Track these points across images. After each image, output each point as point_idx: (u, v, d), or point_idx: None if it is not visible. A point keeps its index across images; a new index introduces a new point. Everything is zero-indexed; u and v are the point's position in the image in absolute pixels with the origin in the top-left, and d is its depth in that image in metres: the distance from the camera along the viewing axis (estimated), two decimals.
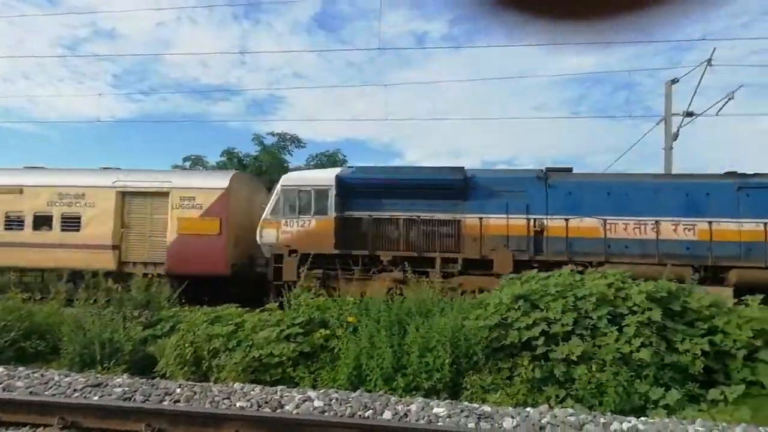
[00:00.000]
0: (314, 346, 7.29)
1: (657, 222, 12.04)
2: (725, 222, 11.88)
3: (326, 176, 13.43)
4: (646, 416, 5.56)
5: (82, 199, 14.03)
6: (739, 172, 12.59)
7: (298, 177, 13.77)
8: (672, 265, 11.17)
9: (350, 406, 5.09)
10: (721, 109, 18.63)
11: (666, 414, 5.75)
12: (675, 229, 12.05)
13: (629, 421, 4.85)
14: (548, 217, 12.13)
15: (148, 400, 5.40)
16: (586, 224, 12.32)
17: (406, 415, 5.01)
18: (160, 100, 60.04)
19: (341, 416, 4.37)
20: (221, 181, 14.04)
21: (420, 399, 5.49)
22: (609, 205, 12.33)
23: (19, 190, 14.23)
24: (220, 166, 24.27)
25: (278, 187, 13.48)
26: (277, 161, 24.15)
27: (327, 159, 24.93)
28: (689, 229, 11.99)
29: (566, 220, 12.18)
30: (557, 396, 6.44)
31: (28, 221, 14.09)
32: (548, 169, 12.96)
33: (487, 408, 5.16)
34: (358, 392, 5.45)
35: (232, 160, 24.36)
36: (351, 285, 12.36)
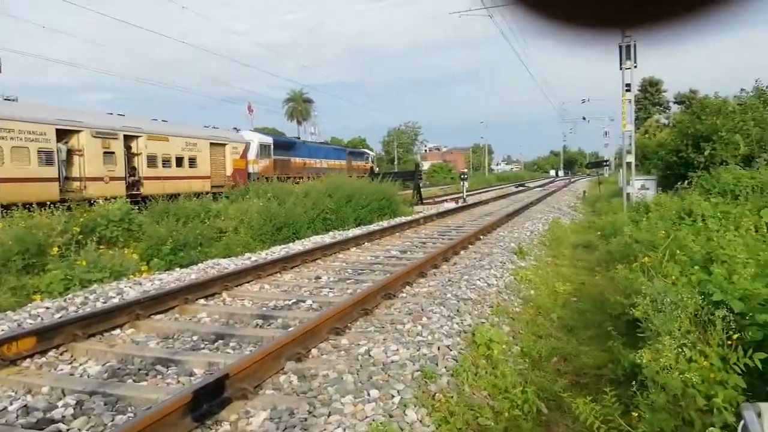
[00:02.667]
0: None
1: (323, 161, 35.59)
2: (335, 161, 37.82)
3: (270, 138, 30.80)
4: None
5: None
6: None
7: (263, 137, 29.99)
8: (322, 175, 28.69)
9: None
10: None
11: None
12: (327, 163, 36.47)
13: None
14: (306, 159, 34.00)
15: None
16: (309, 161, 34.14)
17: None
18: None
19: None
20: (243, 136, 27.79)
21: None
22: (315, 154, 35.51)
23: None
24: None
25: (255, 142, 27.89)
26: None
27: None
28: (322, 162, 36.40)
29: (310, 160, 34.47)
30: None
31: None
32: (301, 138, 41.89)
33: None
34: None
35: None
36: None
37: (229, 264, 9.06)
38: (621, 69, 15.22)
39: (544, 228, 14.78)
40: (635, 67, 15.20)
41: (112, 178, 17.85)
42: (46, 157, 15.59)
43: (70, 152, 16.71)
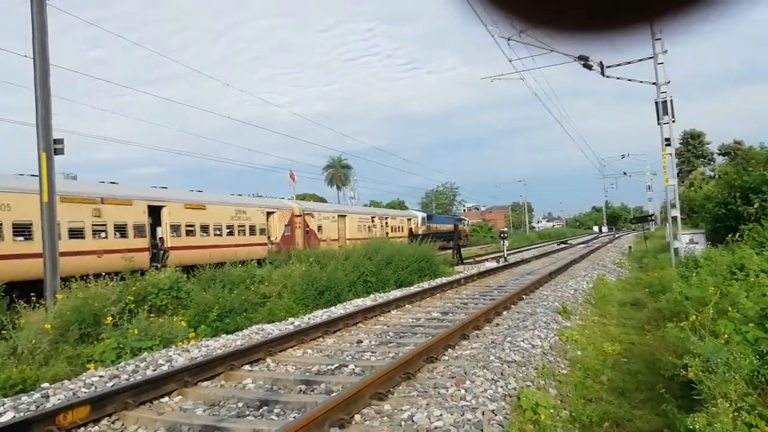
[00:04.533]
0: None
1: (443, 225, 50.77)
2: (449, 225, 47.12)
3: (424, 214, 51.40)
4: None
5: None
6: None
7: (422, 213, 51.46)
8: None
9: None
10: None
11: None
12: (446, 227, 46.95)
13: None
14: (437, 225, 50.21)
15: None
16: (438, 225, 48.87)
17: None
18: None
19: None
20: (416, 214, 50.04)
21: None
22: (439, 221, 53.28)
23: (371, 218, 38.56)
24: None
25: (419, 216, 48.54)
26: None
27: None
28: None
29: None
30: None
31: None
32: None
33: None
34: None
35: None
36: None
37: (273, 329, 9.19)
38: (659, 124, 15.19)
39: (589, 286, 14.42)
40: (673, 121, 15.16)
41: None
42: (369, 228, 36.21)
43: (374, 226, 37.38)
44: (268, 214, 25.76)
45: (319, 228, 30.11)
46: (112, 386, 5.81)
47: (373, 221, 37.45)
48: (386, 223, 39.85)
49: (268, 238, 25.08)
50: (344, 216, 33.72)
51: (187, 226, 20.39)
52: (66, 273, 11.03)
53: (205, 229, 21.16)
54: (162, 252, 19.55)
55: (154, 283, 11.21)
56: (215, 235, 21.47)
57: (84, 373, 6.56)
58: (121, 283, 10.46)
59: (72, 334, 8.26)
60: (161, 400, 5.52)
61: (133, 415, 5.05)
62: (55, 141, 10.90)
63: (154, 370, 6.52)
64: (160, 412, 5.18)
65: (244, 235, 23.13)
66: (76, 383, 6.05)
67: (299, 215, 28.36)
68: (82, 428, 4.76)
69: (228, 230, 22.10)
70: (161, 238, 19.67)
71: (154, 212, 19.24)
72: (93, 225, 16.77)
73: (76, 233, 16.21)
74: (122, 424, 4.93)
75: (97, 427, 4.82)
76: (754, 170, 16.44)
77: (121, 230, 17.75)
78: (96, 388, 5.88)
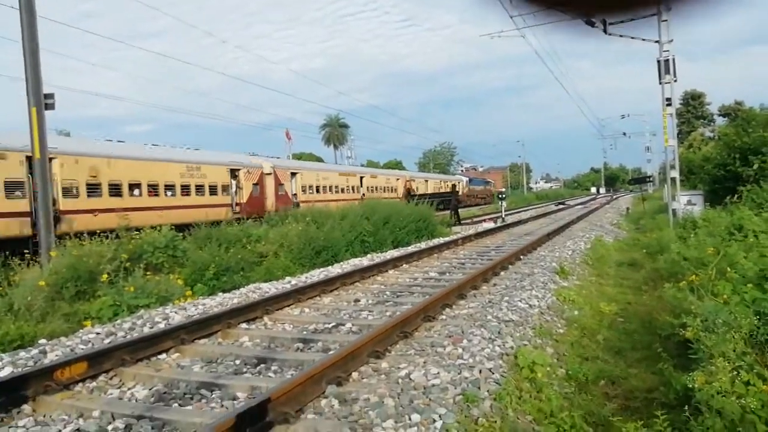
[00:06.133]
0: None
1: (477, 187, 64.58)
2: (481, 187, 67.15)
3: (466, 178, 65.32)
4: None
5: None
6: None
7: (464, 177, 65.74)
8: None
9: None
10: None
11: None
12: (479, 189, 65.07)
13: None
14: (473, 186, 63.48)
15: None
16: (474, 187, 63.60)
17: None
18: None
19: None
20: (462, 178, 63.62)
21: None
22: (476, 183, 67.04)
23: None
24: None
25: (465, 180, 62.50)
26: None
27: None
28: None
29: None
30: None
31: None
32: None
33: None
34: None
35: None
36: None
37: (270, 288, 9.19)
38: (660, 84, 14.90)
39: (587, 247, 14.44)
40: (675, 81, 14.87)
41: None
42: (440, 189, 47.88)
43: (442, 186, 50.04)
44: (397, 179, 46.10)
45: (416, 188, 46.26)
46: (109, 343, 5.80)
47: (440, 183, 53.88)
48: (448, 184, 54.48)
49: (397, 194, 41.82)
50: (427, 180, 52.85)
51: (370, 186, 39.85)
52: (336, 207, 19.27)
53: (378, 188, 40.96)
54: (362, 198, 33.44)
55: (149, 242, 11.13)
56: (381, 191, 40.62)
57: (81, 330, 6.55)
58: (116, 241, 10.38)
59: (68, 291, 8.23)
60: (158, 357, 5.52)
61: (130, 371, 5.05)
62: (46, 96, 10.63)
63: (151, 328, 6.51)
64: (158, 369, 5.19)
65: (390, 192, 42.36)
66: (73, 340, 6.04)
67: (408, 180, 47.86)
68: (80, 384, 4.75)
69: (384, 189, 42.01)
70: (363, 193, 37.09)
71: (361, 179, 39.03)
72: (344, 186, 36.13)
73: (341, 191, 35.36)
74: (120, 381, 4.93)
75: (94, 383, 4.82)
76: (754, 131, 16.25)
77: (352, 189, 37.02)
78: (93, 344, 5.87)
